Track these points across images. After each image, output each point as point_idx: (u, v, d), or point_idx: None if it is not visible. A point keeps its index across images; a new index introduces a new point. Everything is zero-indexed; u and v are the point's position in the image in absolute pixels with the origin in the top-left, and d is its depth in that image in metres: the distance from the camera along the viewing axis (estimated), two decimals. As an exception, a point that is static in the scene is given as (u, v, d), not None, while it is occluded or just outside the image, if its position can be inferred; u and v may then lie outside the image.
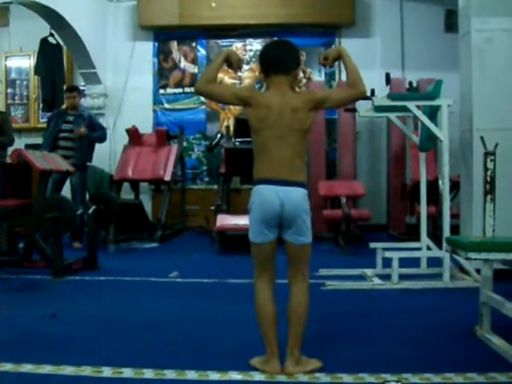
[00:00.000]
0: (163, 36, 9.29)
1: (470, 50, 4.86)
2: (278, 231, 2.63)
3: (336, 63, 3.17)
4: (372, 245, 5.25)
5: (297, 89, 2.83)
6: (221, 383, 2.53)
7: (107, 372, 2.63)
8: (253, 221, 2.63)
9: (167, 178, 7.81)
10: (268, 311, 2.64)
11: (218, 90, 2.88)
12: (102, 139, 7.30)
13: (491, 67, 4.82)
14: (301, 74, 8.59)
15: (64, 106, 7.48)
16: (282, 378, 2.56)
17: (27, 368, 2.68)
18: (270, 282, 2.68)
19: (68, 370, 2.65)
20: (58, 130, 6.96)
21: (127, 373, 2.62)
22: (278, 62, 2.69)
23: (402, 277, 4.69)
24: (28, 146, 7.50)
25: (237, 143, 7.44)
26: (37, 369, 2.67)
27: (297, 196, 2.58)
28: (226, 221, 6.68)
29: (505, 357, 2.78)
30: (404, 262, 4.77)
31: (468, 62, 4.92)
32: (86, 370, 2.65)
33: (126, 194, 8.14)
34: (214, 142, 7.91)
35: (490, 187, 3.86)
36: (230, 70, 9.13)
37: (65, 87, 7.90)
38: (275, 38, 2.71)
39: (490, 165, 3.87)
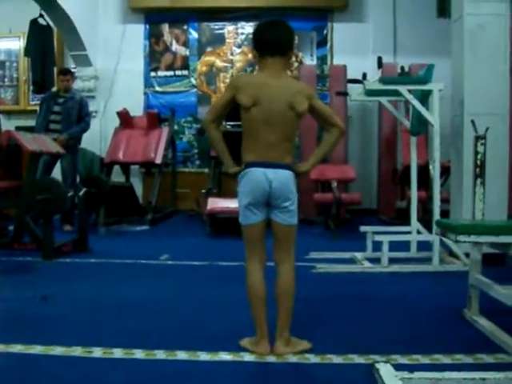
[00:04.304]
0: (154, 18, 9.23)
1: (463, 34, 4.85)
2: (266, 212, 2.64)
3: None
4: (362, 228, 5.27)
5: (288, 72, 2.81)
6: (211, 363, 2.54)
7: (97, 352, 2.63)
8: (242, 203, 2.63)
9: (158, 160, 7.82)
10: (259, 292, 2.64)
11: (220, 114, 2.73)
12: (84, 131, 7.11)
13: (483, 52, 4.81)
14: (292, 58, 8.58)
15: (55, 89, 7.42)
16: (271, 358, 2.57)
17: (17, 348, 2.67)
18: (261, 263, 2.68)
19: (58, 351, 2.65)
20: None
21: (117, 353, 2.62)
22: (275, 43, 2.63)
23: (392, 260, 4.72)
24: (18, 128, 7.44)
25: (228, 127, 7.42)
26: (27, 349, 2.67)
27: (284, 177, 2.59)
28: (216, 204, 6.68)
29: (492, 338, 2.81)
30: (394, 246, 4.80)
31: (460, 47, 4.91)
32: (77, 351, 2.65)
33: (117, 176, 8.13)
34: (205, 126, 7.89)
35: (480, 171, 3.88)
36: (221, 54, 9.12)
37: (55, 69, 7.84)
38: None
39: (480, 148, 3.88)
